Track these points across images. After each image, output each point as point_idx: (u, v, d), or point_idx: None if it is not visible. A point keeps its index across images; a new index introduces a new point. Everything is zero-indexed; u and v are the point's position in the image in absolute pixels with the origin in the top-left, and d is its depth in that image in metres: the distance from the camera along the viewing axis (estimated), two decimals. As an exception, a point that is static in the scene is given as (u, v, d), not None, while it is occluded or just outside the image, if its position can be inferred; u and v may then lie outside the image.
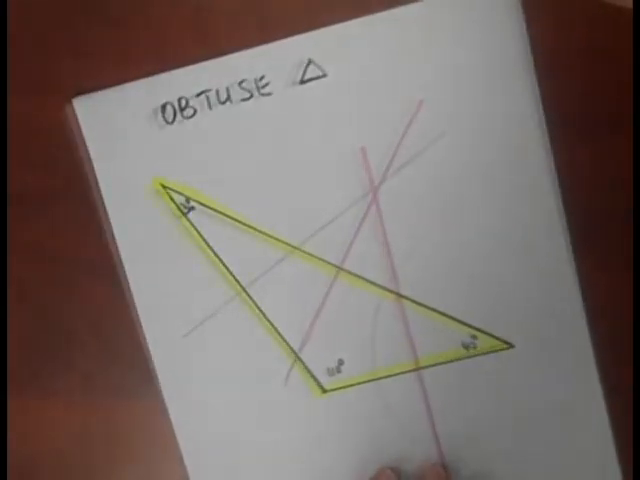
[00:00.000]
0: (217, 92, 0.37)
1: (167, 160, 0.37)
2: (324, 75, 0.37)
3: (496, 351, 0.38)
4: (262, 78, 0.37)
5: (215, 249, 0.38)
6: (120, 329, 0.38)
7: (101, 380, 0.38)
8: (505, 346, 0.38)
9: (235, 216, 0.38)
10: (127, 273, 0.37)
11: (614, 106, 0.37)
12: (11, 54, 0.36)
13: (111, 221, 0.37)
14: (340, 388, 0.39)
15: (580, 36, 0.37)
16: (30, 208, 0.37)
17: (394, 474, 0.38)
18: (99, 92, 0.36)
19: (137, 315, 0.38)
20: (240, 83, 0.37)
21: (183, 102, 0.37)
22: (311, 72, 0.37)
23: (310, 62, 0.37)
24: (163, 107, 0.37)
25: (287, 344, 0.38)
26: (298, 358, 0.38)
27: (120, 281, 0.38)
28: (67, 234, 0.37)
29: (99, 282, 0.38)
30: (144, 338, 0.38)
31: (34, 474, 0.38)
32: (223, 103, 0.37)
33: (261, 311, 0.38)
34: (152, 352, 0.38)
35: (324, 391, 0.39)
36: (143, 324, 0.38)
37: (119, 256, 0.37)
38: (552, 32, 0.37)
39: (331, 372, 0.39)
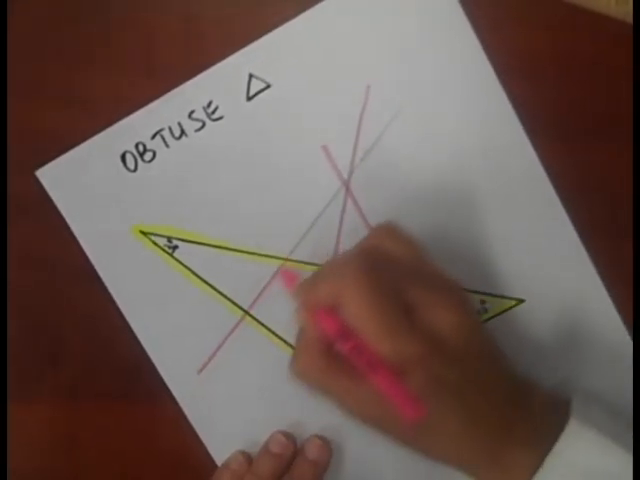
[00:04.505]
0: (170, 129, 0.37)
1: (139, 206, 0.38)
2: (268, 86, 0.37)
3: (509, 309, 0.38)
4: (210, 104, 0.37)
5: (209, 280, 0.38)
6: (108, 332, 0.38)
7: (88, 383, 0.38)
8: (516, 302, 0.38)
9: (219, 243, 0.38)
10: (129, 321, 0.38)
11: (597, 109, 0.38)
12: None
13: (101, 275, 0.37)
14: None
15: (548, 39, 0.38)
16: (20, 213, 0.38)
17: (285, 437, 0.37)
18: (59, 159, 0.37)
19: (125, 319, 0.38)
20: (190, 114, 0.37)
21: (141, 147, 0.37)
22: (255, 86, 0.37)
23: (251, 77, 0.37)
24: (123, 157, 0.37)
25: (302, 354, 0.38)
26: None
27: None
28: (55, 238, 0.38)
29: (86, 285, 0.38)
30: (132, 341, 0.38)
31: (22, 476, 0.38)
32: (179, 138, 0.37)
33: (269, 329, 0.38)
34: (172, 390, 0.38)
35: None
36: (156, 365, 0.38)
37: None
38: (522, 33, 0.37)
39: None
